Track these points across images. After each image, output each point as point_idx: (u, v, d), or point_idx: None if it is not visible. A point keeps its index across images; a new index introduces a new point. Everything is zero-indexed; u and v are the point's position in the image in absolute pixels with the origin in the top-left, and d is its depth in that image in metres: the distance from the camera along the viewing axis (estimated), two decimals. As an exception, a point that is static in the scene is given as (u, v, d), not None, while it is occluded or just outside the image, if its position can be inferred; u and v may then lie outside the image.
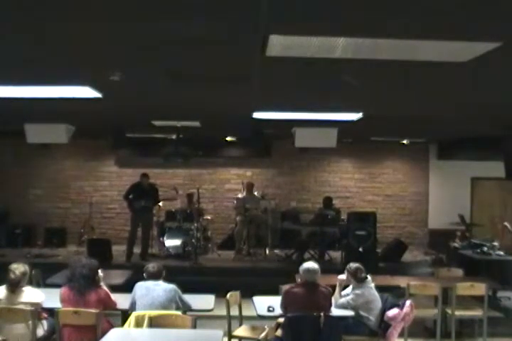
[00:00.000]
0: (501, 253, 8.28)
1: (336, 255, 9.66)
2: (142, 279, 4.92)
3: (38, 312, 4.71)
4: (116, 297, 4.89)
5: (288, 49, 3.27)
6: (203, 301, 5.20)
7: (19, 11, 2.64)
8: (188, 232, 9.61)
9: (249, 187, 10.25)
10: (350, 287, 5.42)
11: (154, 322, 4.39)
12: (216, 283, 7.23)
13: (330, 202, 10.23)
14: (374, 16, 2.67)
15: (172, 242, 9.65)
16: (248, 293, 5.64)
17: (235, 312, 5.46)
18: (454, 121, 7.17)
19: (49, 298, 4.80)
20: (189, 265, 8.94)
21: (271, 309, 5.07)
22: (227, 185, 11.71)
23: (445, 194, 11.59)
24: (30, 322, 4.61)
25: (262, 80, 4.49)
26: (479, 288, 6.06)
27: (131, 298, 4.81)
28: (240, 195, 10.26)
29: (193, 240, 9.39)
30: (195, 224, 9.49)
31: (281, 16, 2.69)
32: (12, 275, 4.67)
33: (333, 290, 5.24)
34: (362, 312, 5.22)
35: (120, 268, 7.16)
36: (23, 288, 4.74)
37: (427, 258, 10.24)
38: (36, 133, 7.54)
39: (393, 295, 5.60)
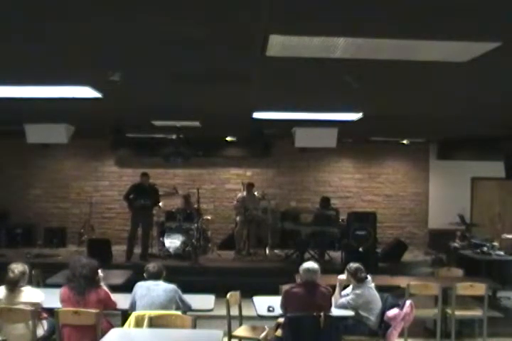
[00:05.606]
0: (501, 253, 8.28)
1: (336, 255, 9.67)
2: (142, 279, 4.91)
3: (38, 312, 4.71)
4: (116, 297, 4.88)
5: (288, 49, 3.26)
6: (203, 301, 5.19)
7: (19, 11, 2.64)
8: (188, 232, 9.61)
9: (249, 187, 10.25)
10: (350, 287, 5.41)
11: (154, 322, 4.39)
12: (216, 283, 7.23)
13: (327, 202, 10.20)
14: (374, 16, 2.67)
15: (172, 242, 9.64)
16: (248, 293, 5.64)
17: (235, 312, 5.46)
18: (454, 121, 7.17)
19: (49, 298, 4.79)
20: (189, 265, 8.95)
21: (271, 309, 5.07)
22: (227, 185, 11.70)
23: (445, 194, 11.59)
24: (30, 322, 4.61)
25: (262, 80, 4.49)
26: (479, 288, 6.06)
27: (131, 298, 4.80)
28: (239, 195, 10.26)
29: (193, 240, 9.40)
30: (195, 224, 9.50)
31: (281, 16, 2.69)
32: (11, 275, 4.68)
33: (333, 290, 5.24)
34: (362, 312, 5.22)
35: (120, 268, 7.16)
36: (23, 288, 4.74)
37: (427, 258, 10.24)
38: (36, 133, 7.53)
39: (393, 295, 5.60)
